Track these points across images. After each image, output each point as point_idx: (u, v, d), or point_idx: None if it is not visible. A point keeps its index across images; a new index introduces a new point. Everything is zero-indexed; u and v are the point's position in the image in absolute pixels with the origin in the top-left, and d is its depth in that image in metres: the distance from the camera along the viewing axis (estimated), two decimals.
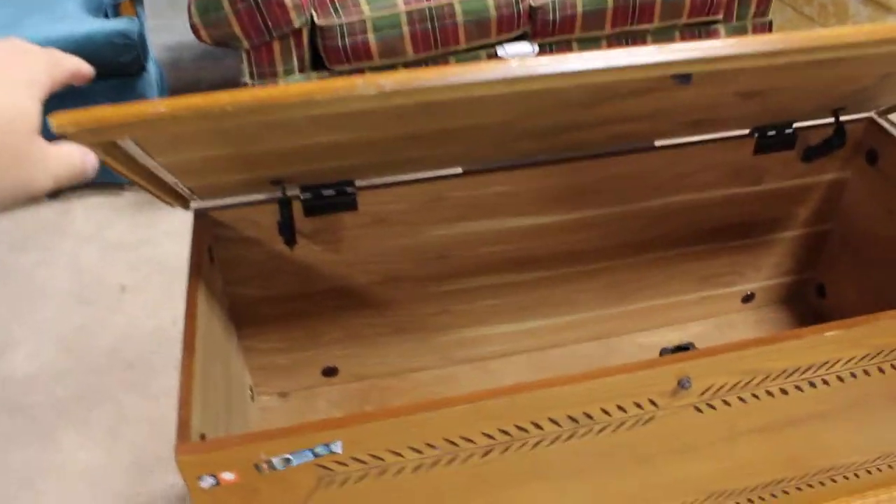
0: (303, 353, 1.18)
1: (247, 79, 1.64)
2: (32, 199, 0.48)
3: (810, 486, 1.01)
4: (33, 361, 1.50)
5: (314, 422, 0.72)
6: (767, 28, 1.89)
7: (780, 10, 2.41)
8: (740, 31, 1.87)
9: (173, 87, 2.33)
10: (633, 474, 0.88)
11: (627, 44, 1.81)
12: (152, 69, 1.84)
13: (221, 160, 0.81)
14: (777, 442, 0.92)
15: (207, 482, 0.73)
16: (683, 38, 1.84)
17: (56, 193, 1.93)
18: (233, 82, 2.37)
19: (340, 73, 1.67)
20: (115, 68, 1.73)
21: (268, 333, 1.14)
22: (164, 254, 1.76)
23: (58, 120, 0.58)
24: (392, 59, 1.65)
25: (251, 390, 1.16)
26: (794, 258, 1.31)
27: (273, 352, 1.16)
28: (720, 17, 1.82)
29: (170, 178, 0.85)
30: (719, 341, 1.26)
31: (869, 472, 1.03)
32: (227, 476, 0.73)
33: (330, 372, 1.20)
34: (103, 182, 1.94)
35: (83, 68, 0.57)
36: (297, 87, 0.63)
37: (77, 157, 0.52)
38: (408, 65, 1.68)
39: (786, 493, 1.00)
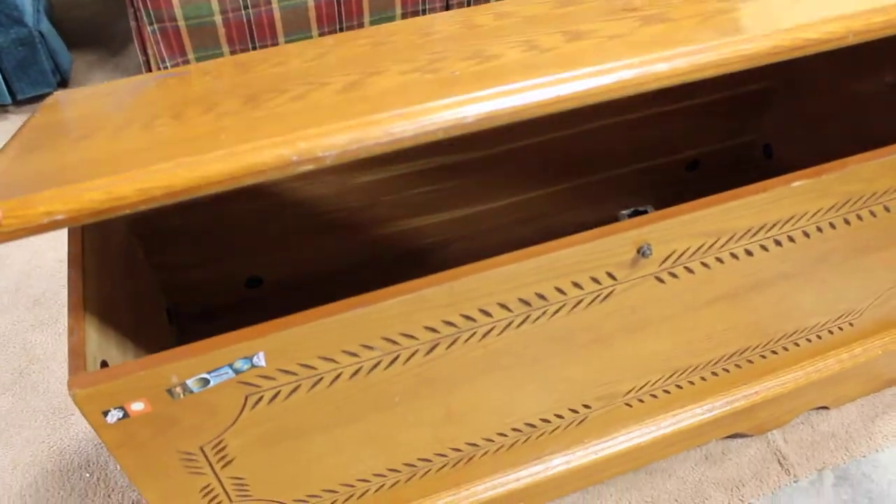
0: (222, 265, 1.06)
1: None
2: None
3: (774, 352, 0.96)
4: None
5: (229, 334, 0.62)
6: None
7: None
8: None
9: None
10: (592, 357, 0.81)
11: None
12: None
13: None
14: (741, 309, 0.86)
15: (114, 416, 0.63)
16: None
17: None
18: None
19: None
20: None
21: (179, 246, 1.02)
22: None
23: None
24: None
25: (168, 312, 1.05)
26: (738, 119, 1.23)
27: (188, 267, 1.05)
28: None
29: None
30: None
31: (831, 332, 0.99)
32: (137, 406, 0.63)
33: (254, 282, 1.09)
34: None
35: None
36: (217, 167, 0.51)
37: None
38: None
39: (750, 362, 0.95)
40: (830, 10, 0.64)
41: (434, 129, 0.52)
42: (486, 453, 0.87)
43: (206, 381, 0.63)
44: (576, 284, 0.70)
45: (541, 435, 0.88)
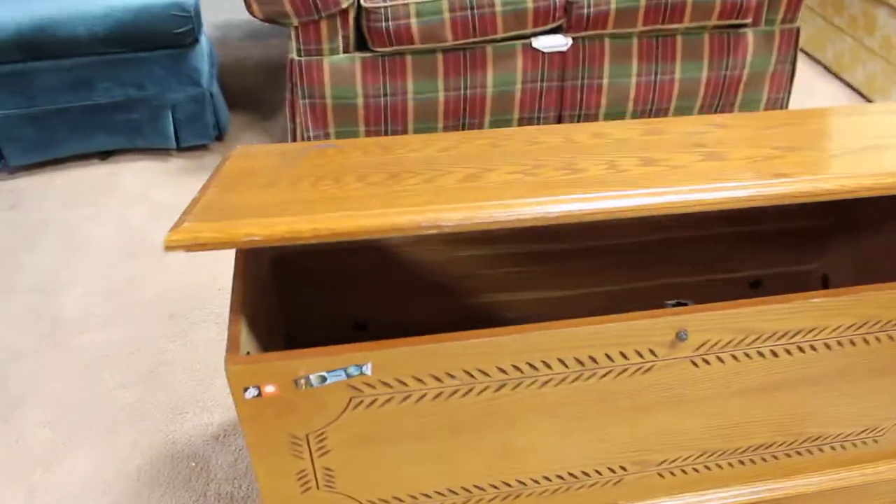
0: (336, 308, 1.27)
1: (294, 55, 1.74)
2: None
3: (799, 453, 1.09)
4: (81, 305, 1.61)
5: (348, 345, 0.81)
6: (794, 35, 1.96)
7: (811, 18, 2.47)
8: (768, 35, 1.94)
9: (222, 63, 2.44)
10: (631, 423, 0.96)
11: (657, 42, 1.89)
12: (204, 42, 1.95)
13: None
14: (767, 404, 1.00)
15: (251, 393, 0.82)
16: (712, 40, 1.91)
17: (106, 155, 2.04)
18: (276, 60, 2.49)
19: (383, 56, 1.76)
20: (171, 39, 1.84)
21: (304, 287, 1.24)
22: None
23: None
24: (432, 43, 1.74)
25: (284, 340, 1.25)
26: (800, 248, 1.38)
27: (308, 305, 1.26)
28: (749, 20, 1.89)
29: None
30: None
31: (855, 444, 1.10)
32: (269, 389, 0.83)
33: (360, 327, 1.29)
34: (151, 147, 2.05)
35: None
36: (370, 221, 0.73)
37: None
38: (446, 50, 1.77)
39: (775, 458, 1.08)
40: (852, 169, 0.80)
41: (525, 218, 0.72)
42: (530, 494, 1.02)
43: (324, 379, 0.83)
44: (622, 354, 0.87)
45: (580, 487, 1.03)
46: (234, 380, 0.81)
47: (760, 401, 0.99)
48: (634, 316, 0.85)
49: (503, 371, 0.85)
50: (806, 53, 2.55)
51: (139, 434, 1.35)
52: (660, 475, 1.05)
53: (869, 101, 2.33)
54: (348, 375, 0.83)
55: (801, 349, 0.94)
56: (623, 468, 1.02)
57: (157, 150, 2.08)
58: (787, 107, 2.10)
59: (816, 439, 1.08)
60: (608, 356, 0.87)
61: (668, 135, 1.01)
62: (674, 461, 1.04)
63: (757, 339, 0.91)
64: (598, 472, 1.02)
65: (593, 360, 0.87)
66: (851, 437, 1.09)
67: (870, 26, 2.21)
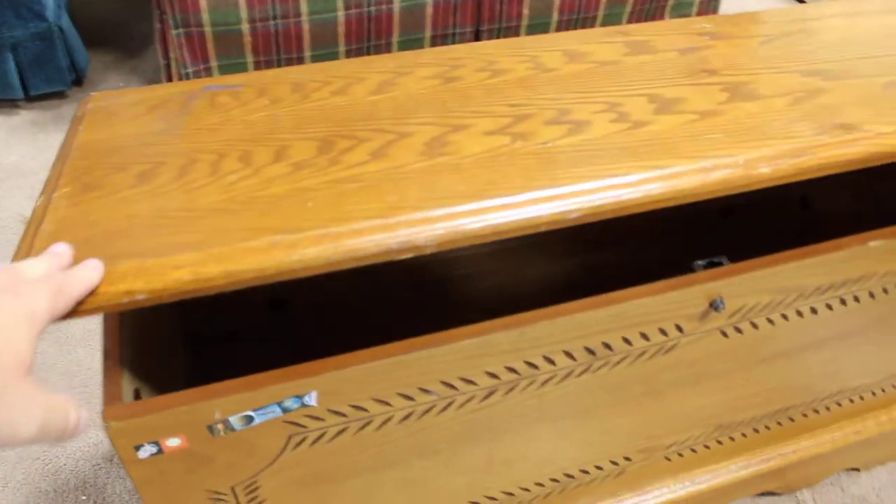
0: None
1: None
2: (11, 444, 0.42)
3: (816, 411, 0.93)
4: None
5: (283, 370, 0.58)
6: None
7: None
8: None
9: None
10: (642, 410, 0.77)
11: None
12: None
13: None
14: (793, 368, 0.82)
15: (147, 451, 0.58)
16: None
17: None
18: None
19: None
20: None
21: None
22: None
23: None
24: None
25: (188, 335, 1.00)
26: None
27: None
28: None
29: None
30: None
31: (873, 393, 0.96)
32: (173, 442, 0.58)
33: (277, 305, 1.04)
34: None
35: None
36: (315, 252, 0.49)
37: (66, 411, 0.45)
38: None
39: (791, 420, 0.92)
40: None
41: (538, 223, 0.49)
42: (519, 503, 0.82)
43: (251, 419, 0.59)
44: (643, 335, 0.67)
45: (577, 486, 0.84)
46: (119, 439, 0.56)
47: (787, 366, 0.81)
48: (660, 287, 0.64)
49: (494, 376, 0.63)
50: None
51: (9, 466, 1.08)
52: (667, 458, 0.88)
53: None
54: (284, 410, 0.59)
55: (843, 302, 0.76)
56: (627, 458, 0.84)
57: None
58: (717, 10, 1.92)
59: (836, 395, 0.92)
60: (626, 340, 0.66)
61: (661, 53, 0.79)
62: (684, 442, 0.86)
63: (798, 296, 0.72)
64: (598, 467, 0.83)
65: (607, 346, 0.66)
66: (871, 387, 0.94)
67: None
